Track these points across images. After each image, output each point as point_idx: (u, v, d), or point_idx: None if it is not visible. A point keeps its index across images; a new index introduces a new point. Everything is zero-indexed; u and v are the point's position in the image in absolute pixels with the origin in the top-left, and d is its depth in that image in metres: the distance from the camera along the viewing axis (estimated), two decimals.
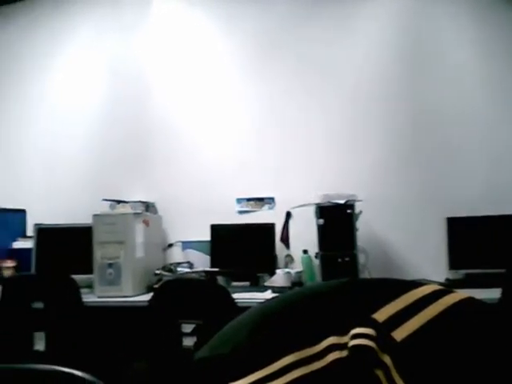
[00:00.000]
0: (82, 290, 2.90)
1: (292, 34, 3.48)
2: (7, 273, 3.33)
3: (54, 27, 3.93)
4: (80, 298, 2.86)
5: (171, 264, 3.32)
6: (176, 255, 3.49)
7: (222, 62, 3.62)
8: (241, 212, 3.48)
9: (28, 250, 3.43)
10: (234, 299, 2.57)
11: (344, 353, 0.42)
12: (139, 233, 3.08)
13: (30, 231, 3.62)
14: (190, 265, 3.34)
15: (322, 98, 3.38)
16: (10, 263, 3.39)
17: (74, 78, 3.88)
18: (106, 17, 3.83)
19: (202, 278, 3.00)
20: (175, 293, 2.69)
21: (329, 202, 2.95)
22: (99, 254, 3.03)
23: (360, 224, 2.92)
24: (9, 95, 4.00)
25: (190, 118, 3.63)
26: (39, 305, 2.86)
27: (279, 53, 3.49)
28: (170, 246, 3.54)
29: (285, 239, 3.34)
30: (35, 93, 3.95)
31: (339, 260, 2.87)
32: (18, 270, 3.39)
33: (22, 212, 3.74)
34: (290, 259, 3.32)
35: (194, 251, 3.42)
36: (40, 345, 2.86)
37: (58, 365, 0.98)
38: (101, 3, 3.84)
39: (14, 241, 3.57)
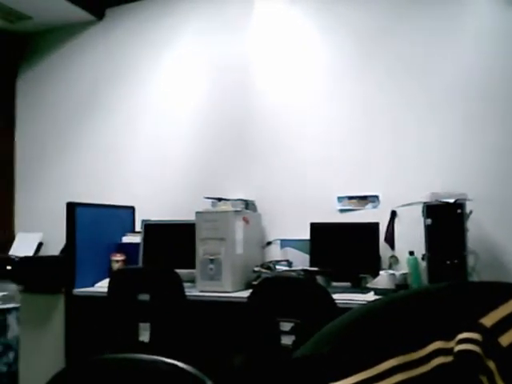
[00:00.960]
0: (185, 284, 2.97)
1: (392, 32, 3.36)
2: (116, 266, 3.50)
3: (161, 27, 4.07)
4: (183, 292, 2.93)
5: (270, 262, 3.32)
6: (275, 253, 3.49)
7: (322, 60, 3.58)
8: (342, 210, 3.41)
9: (136, 245, 3.59)
10: (334, 300, 2.52)
11: (449, 358, 0.41)
12: (239, 230, 3.11)
13: (138, 227, 3.79)
14: (289, 263, 3.32)
15: (431, 97, 3.24)
16: (119, 257, 3.56)
17: (178, 78, 4.00)
18: (209, 16, 3.91)
19: (301, 277, 2.97)
20: (274, 290, 2.68)
21: (437, 200, 2.80)
22: (201, 249, 3.10)
23: (470, 224, 2.75)
24: (117, 94, 4.20)
25: (290, 116, 3.61)
26: (145, 297, 2.97)
27: (379, 51, 3.39)
28: (269, 243, 3.54)
29: (389, 239, 3.23)
30: (141, 92, 4.11)
31: (447, 262, 2.72)
32: (126, 263, 3.55)
33: (131, 209, 3.92)
34: (394, 260, 3.20)
35: (293, 250, 3.40)
36: (145, 336, 2.97)
37: (161, 355, 0.99)
38: (205, 3, 3.93)
39: (124, 236, 3.75)
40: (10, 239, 4.29)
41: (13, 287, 0.69)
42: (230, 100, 3.79)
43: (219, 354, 2.94)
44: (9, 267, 3.68)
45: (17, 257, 3.76)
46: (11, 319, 0.60)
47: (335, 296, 2.56)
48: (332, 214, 3.38)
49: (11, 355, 0.59)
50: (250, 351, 2.74)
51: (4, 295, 0.65)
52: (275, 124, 3.64)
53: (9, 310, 0.61)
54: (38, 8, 4.03)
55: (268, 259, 3.42)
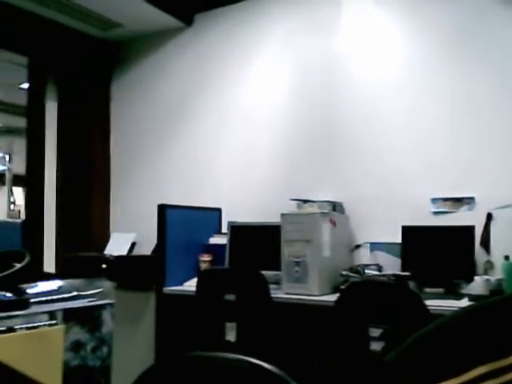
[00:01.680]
0: (270, 286, 2.97)
1: (490, 28, 3.18)
2: (204, 266, 3.57)
3: (249, 30, 4.10)
4: (269, 293, 2.93)
5: (358, 265, 3.24)
6: (363, 257, 3.40)
7: (412, 59, 3.45)
8: (436, 213, 3.26)
9: (222, 246, 3.64)
10: (426, 306, 2.41)
11: None
12: (326, 232, 3.06)
13: (224, 228, 3.83)
14: (379, 267, 3.22)
15: None
16: (206, 257, 3.62)
17: (265, 80, 4.01)
18: (298, 18, 3.89)
19: (392, 282, 2.87)
20: (363, 295, 2.61)
21: None
22: (287, 251, 3.08)
23: None
24: (206, 98, 4.28)
25: (378, 116, 3.52)
26: (231, 297, 3.00)
27: (471, 48, 3.23)
28: (358, 246, 3.46)
29: (485, 243, 3.05)
30: (230, 96, 4.16)
31: None
32: (213, 263, 3.61)
33: (218, 210, 3.98)
34: (489, 265, 3.02)
35: (383, 253, 3.30)
36: (231, 335, 3.00)
37: (247, 355, 0.98)
38: (293, 4, 3.91)
39: (211, 237, 3.81)
40: (106, 239, 4.50)
41: (108, 284, 0.72)
42: (317, 101, 3.75)
43: (304, 357, 2.90)
44: (104, 265, 3.84)
45: (112, 256, 3.93)
46: (106, 315, 0.63)
47: (428, 302, 2.45)
48: (425, 217, 3.24)
49: (105, 350, 0.61)
50: (336, 356, 2.69)
51: (100, 292, 0.67)
52: (363, 124, 3.56)
53: (104, 306, 0.63)
54: (129, 16, 4.19)
55: (357, 263, 3.33)
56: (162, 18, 4.22)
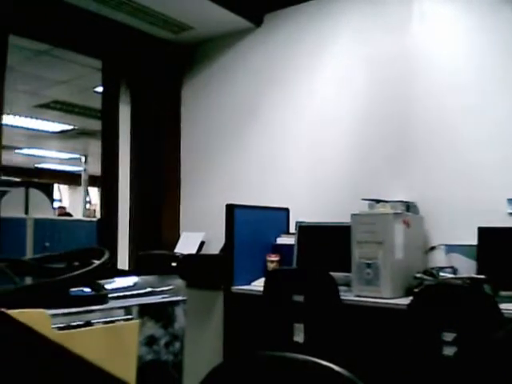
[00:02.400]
0: (340, 288, 2.91)
1: None
2: (271, 266, 3.56)
3: (318, 29, 4.05)
4: (338, 295, 2.88)
5: (433, 268, 3.12)
6: (438, 259, 3.28)
7: (486, 58, 3.30)
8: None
9: (290, 246, 3.61)
10: (501, 310, 2.31)
11: None
12: (399, 234, 2.97)
13: (292, 228, 3.81)
14: (454, 270, 3.09)
15: None
16: (274, 257, 3.61)
17: (336, 79, 3.95)
18: (366, 16, 3.81)
19: (467, 285, 2.75)
20: (437, 299, 2.52)
21: None
22: (357, 253, 3.02)
23: None
24: (276, 98, 4.27)
25: (454, 116, 3.38)
26: (300, 298, 2.97)
27: None
28: (432, 248, 3.33)
29: None
30: (299, 95, 4.13)
31: None
32: (281, 263, 3.59)
33: (286, 210, 3.96)
34: None
35: (459, 255, 3.16)
36: (299, 336, 2.97)
37: (315, 357, 0.96)
38: (362, 3, 3.84)
39: (278, 237, 3.80)
40: (176, 238, 4.58)
41: (179, 281, 0.72)
42: (389, 99, 3.66)
43: (374, 361, 2.83)
44: (174, 264, 3.92)
45: (181, 254, 4.00)
46: (179, 311, 0.63)
47: (502, 306, 2.35)
48: (502, 218, 3.09)
49: (177, 345, 0.62)
50: (408, 360, 2.61)
51: (172, 288, 0.68)
52: (438, 124, 3.43)
53: (177, 302, 0.63)
54: (200, 18, 4.24)
55: (431, 265, 3.22)
56: (231, 20, 4.25)
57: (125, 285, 0.62)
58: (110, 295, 0.59)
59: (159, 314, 0.62)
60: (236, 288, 3.43)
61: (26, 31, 4.03)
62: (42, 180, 10.06)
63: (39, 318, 0.50)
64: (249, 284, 3.48)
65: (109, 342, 0.55)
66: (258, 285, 3.32)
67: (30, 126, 8.17)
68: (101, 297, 0.56)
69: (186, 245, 4.37)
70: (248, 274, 3.52)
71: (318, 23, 4.06)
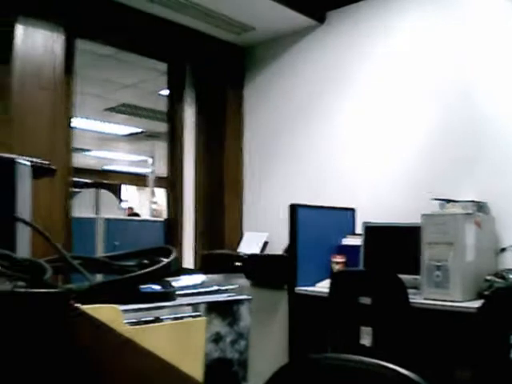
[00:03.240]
0: (409, 291, 2.84)
1: None
2: (337, 267, 3.51)
3: (383, 24, 3.97)
4: (407, 298, 2.81)
5: (503, 270, 2.99)
6: (509, 260, 3.14)
7: None
8: None
9: (356, 247, 3.55)
10: None
11: None
12: (470, 234, 2.86)
13: (358, 229, 3.74)
14: None
15: None
16: (339, 258, 3.56)
17: (403, 77, 3.86)
18: (429, 12, 3.70)
19: None
20: (508, 302, 2.42)
21: None
22: (427, 254, 2.93)
23: None
24: (340, 95, 4.22)
25: None
26: (366, 300, 2.92)
27: None
28: (503, 250, 3.19)
29: None
30: (365, 91, 4.06)
31: None
32: (346, 265, 3.54)
33: (352, 211, 3.90)
34: None
35: None
36: (366, 339, 2.91)
37: (383, 361, 0.94)
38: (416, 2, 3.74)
39: (344, 237, 3.74)
40: (239, 238, 4.62)
41: (244, 280, 0.72)
42: (459, 96, 3.53)
43: (443, 365, 2.75)
44: (237, 263, 3.95)
45: (245, 254, 4.03)
46: (244, 309, 0.63)
47: None
48: None
49: (243, 343, 0.62)
50: (476, 365, 2.52)
51: (238, 287, 0.68)
52: (509, 123, 3.29)
53: (242, 301, 0.63)
54: (261, 18, 4.25)
55: (501, 267, 3.08)
56: (293, 18, 4.23)
57: (192, 283, 0.62)
58: (178, 292, 0.60)
59: (225, 311, 0.63)
60: (300, 289, 3.41)
61: (92, 35, 4.17)
62: (111, 181, 10.39)
63: (112, 314, 0.51)
64: (313, 285, 3.45)
65: (177, 338, 0.56)
66: (323, 286, 3.29)
67: (99, 129, 8.48)
68: (170, 294, 0.56)
69: (250, 244, 4.40)
70: (312, 275, 3.50)
71: (381, 20, 3.98)
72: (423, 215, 2.97)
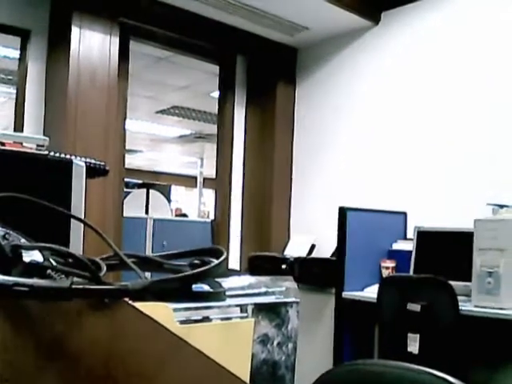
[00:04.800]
0: (459, 298, 2.77)
1: None
2: (386, 272, 3.46)
3: (438, 24, 3.89)
4: (457, 305, 2.74)
5: None
6: None
7: None
8: None
9: (407, 252, 3.47)
10: None
11: None
12: None
13: (410, 233, 3.67)
14: None
15: None
16: (389, 263, 3.50)
17: (458, 77, 3.78)
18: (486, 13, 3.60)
19: None
20: None
21: None
22: (479, 261, 2.85)
23: None
24: (392, 97, 4.17)
25: None
26: (415, 307, 2.86)
27: None
28: None
29: None
30: (421, 92, 3.99)
31: None
32: (396, 270, 3.48)
33: (403, 214, 3.83)
34: None
35: None
36: (414, 347, 2.86)
37: (430, 368, 0.93)
38: None
39: (394, 242, 3.68)
40: (286, 240, 4.62)
41: (292, 283, 0.72)
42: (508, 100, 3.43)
43: (492, 373, 2.67)
44: (284, 266, 3.95)
45: (292, 257, 4.02)
46: (292, 312, 0.63)
47: None
48: None
49: (290, 346, 0.62)
50: None
51: (286, 289, 0.68)
52: None
53: (290, 304, 0.63)
54: (315, 19, 4.23)
55: None
56: (347, 19, 4.19)
57: (240, 284, 0.63)
58: (228, 293, 0.61)
59: (273, 313, 0.63)
60: (347, 293, 3.38)
61: (147, 36, 4.25)
62: (161, 182, 10.58)
63: (163, 312, 0.52)
64: (361, 290, 3.41)
65: (225, 338, 0.57)
66: (372, 291, 3.25)
67: (150, 131, 8.65)
68: (220, 294, 0.57)
69: (296, 247, 4.39)
70: (361, 280, 3.45)
71: (435, 20, 3.90)
72: (476, 220, 2.90)
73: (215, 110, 5.09)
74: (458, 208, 3.52)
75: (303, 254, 4.23)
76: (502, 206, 3.09)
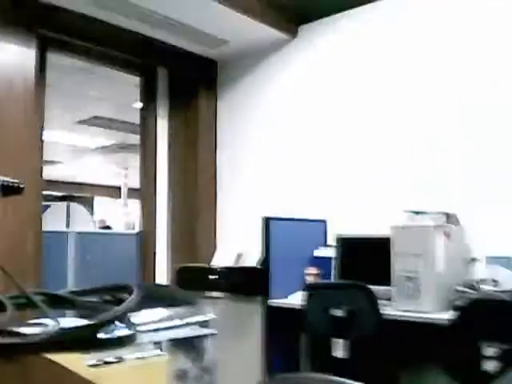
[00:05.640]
0: (381, 302, 2.87)
1: None
2: (309, 279, 3.52)
3: (357, 36, 4.02)
4: (378, 309, 2.83)
5: (473, 280, 3.04)
6: (480, 271, 3.19)
7: None
8: None
9: (328, 259, 3.57)
10: None
11: None
12: (439, 246, 2.90)
13: (330, 240, 3.77)
14: (495, 283, 3.00)
15: None
16: (312, 270, 3.57)
17: (383, 87, 3.92)
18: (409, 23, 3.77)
19: (510, 299, 2.67)
20: (478, 313, 2.46)
21: None
22: (397, 266, 2.97)
23: None
24: (313, 109, 4.26)
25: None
26: (339, 312, 2.93)
27: None
28: (473, 260, 3.24)
29: None
30: (345, 103, 4.11)
31: None
32: (319, 276, 3.55)
33: (323, 222, 3.93)
34: None
35: (502, 268, 3.07)
36: (339, 352, 2.93)
37: (356, 373, 0.95)
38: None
39: (316, 249, 3.76)
40: (213, 251, 4.61)
41: (209, 314, 0.71)
42: (429, 112, 3.60)
43: (415, 375, 2.78)
44: (212, 276, 3.93)
45: (219, 267, 4.02)
46: (209, 344, 0.62)
47: None
48: None
49: (208, 378, 0.61)
50: (448, 373, 2.57)
51: (203, 321, 0.65)
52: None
53: (207, 336, 0.62)
54: (235, 32, 4.27)
55: (471, 277, 3.13)
56: (265, 32, 4.26)
57: (153, 318, 0.62)
58: (140, 329, 0.59)
59: (189, 347, 0.63)
60: (273, 301, 3.41)
61: (64, 48, 4.15)
62: (83, 194, 10.29)
63: (73, 356, 0.51)
64: (286, 297, 3.46)
65: (139, 378, 0.56)
66: (296, 298, 3.30)
67: (71, 142, 8.40)
68: (130, 338, 0.56)
69: (223, 257, 4.39)
70: (286, 287, 3.51)
71: (353, 33, 4.03)
72: (392, 227, 3.01)
73: (138, 120, 5.02)
74: (376, 215, 3.64)
75: (230, 263, 4.23)
76: (417, 213, 3.23)
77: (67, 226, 5.04)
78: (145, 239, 4.77)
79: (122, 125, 7.24)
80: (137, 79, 4.87)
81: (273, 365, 3.43)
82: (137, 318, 0.61)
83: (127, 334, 0.55)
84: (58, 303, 0.64)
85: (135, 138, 5.26)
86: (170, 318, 0.62)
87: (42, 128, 3.99)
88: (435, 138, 3.55)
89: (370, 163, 3.86)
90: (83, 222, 5.28)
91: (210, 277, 3.94)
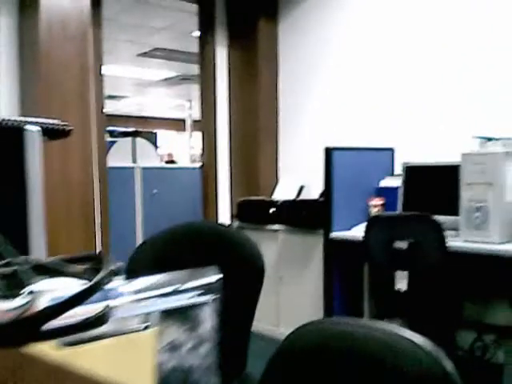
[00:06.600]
0: (448, 233, 2.73)
1: None
2: (374, 210, 3.41)
3: None
4: (444, 241, 2.71)
5: None
6: None
7: None
8: None
9: (395, 189, 3.42)
10: None
11: None
12: (510, 174, 2.70)
13: (397, 170, 3.61)
14: None
15: None
16: (377, 201, 3.45)
17: (434, 16, 3.60)
18: None
19: None
20: None
21: None
22: (466, 195, 2.79)
23: None
24: (382, 30, 4.00)
25: None
26: (403, 244, 2.83)
27: None
28: None
29: None
30: (416, 22, 3.83)
31: None
32: (385, 207, 3.43)
33: (390, 151, 3.75)
34: None
35: None
36: (402, 284, 2.85)
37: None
38: None
39: (382, 179, 3.62)
40: (274, 183, 4.56)
41: (215, 276, 0.66)
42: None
43: (483, 309, 2.68)
44: (272, 209, 3.91)
45: (280, 200, 3.97)
46: (207, 312, 0.58)
47: None
48: None
49: (204, 348, 0.57)
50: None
51: (203, 285, 0.60)
52: None
53: (206, 303, 0.58)
54: None
55: None
56: None
57: (143, 286, 0.56)
58: (127, 300, 0.54)
59: (184, 317, 0.57)
60: (335, 234, 3.35)
61: None
62: (148, 129, 10.43)
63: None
64: (349, 229, 3.38)
65: (121, 355, 0.51)
66: (360, 230, 3.21)
67: (134, 76, 8.43)
68: (100, 319, 0.50)
69: (285, 190, 4.33)
70: (349, 220, 3.42)
71: None
72: (462, 154, 2.82)
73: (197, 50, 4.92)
74: (445, 142, 3.45)
75: (292, 196, 4.18)
76: (489, 139, 3.00)
77: (133, 161, 5.14)
78: (206, 173, 4.78)
79: (182, 55, 7.15)
80: (194, 6, 4.73)
81: (334, 298, 3.42)
82: (124, 286, 0.55)
83: (96, 317, 0.49)
84: (43, 272, 0.60)
85: (197, 69, 5.17)
86: (167, 283, 0.56)
87: (100, 63, 4.02)
88: (508, 62, 3.24)
89: (439, 87, 3.62)
90: (149, 157, 5.35)
91: (271, 210, 3.92)
